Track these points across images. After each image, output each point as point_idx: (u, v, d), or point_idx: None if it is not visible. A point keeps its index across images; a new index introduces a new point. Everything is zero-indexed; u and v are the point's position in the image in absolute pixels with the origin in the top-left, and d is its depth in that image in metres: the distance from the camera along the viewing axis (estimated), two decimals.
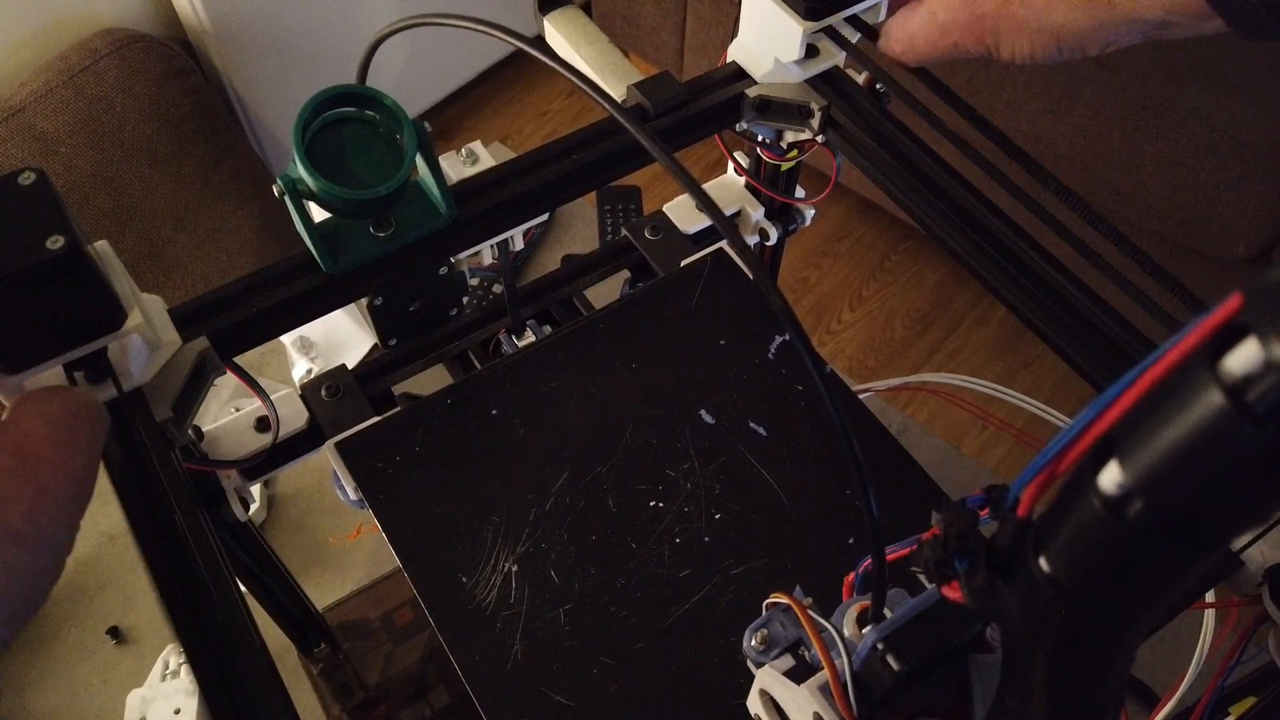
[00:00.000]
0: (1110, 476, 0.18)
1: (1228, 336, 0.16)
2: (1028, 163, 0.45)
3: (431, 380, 0.53)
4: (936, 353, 1.50)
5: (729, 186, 0.61)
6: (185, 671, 0.71)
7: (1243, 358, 0.15)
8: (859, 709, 0.28)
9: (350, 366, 0.52)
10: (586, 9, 1.61)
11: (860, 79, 0.52)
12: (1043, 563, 0.20)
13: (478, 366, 0.54)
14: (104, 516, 0.82)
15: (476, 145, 0.50)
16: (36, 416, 0.27)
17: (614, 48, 0.55)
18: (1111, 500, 0.18)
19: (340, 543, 0.84)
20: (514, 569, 0.43)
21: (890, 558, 0.29)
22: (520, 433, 0.47)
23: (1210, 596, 0.43)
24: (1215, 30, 0.36)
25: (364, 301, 0.48)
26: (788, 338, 0.50)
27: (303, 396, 0.50)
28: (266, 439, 0.48)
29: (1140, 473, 0.17)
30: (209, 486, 0.48)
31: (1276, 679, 0.41)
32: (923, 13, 0.45)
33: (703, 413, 0.48)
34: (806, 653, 0.31)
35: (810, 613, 0.30)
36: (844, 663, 0.28)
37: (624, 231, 0.58)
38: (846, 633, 0.30)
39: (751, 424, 0.47)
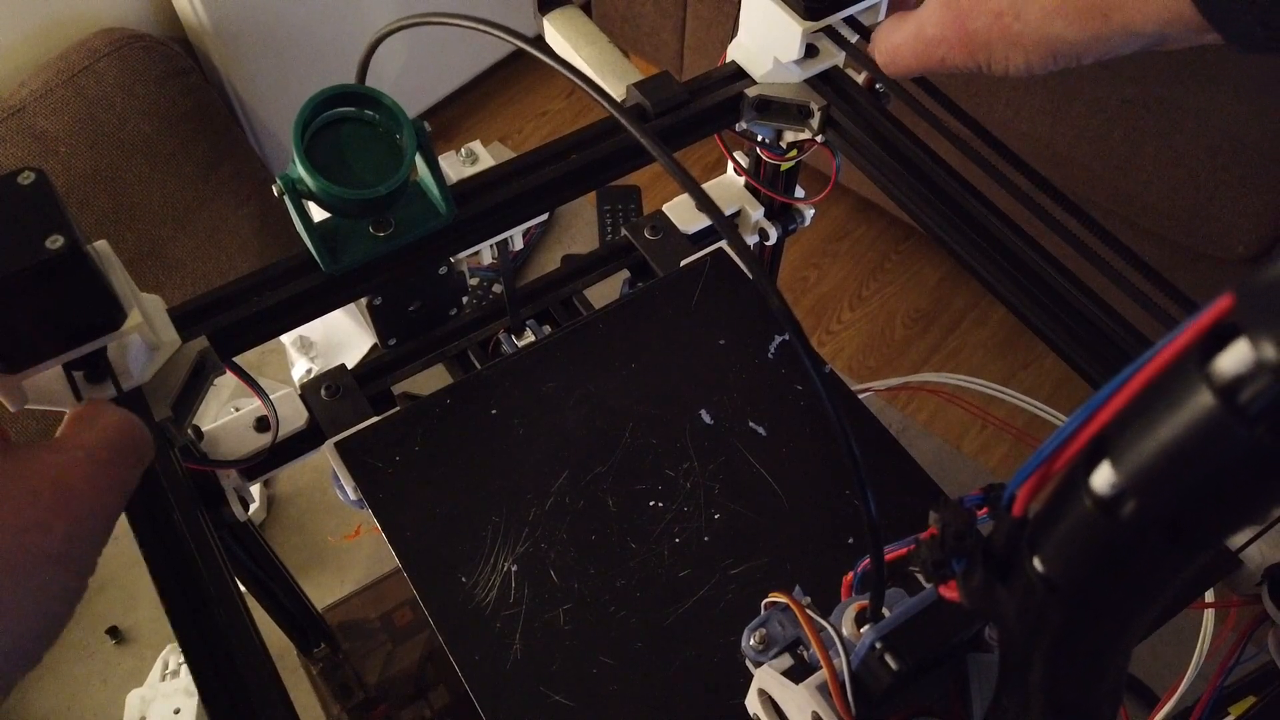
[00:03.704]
0: (1103, 477, 0.18)
1: (1219, 337, 0.16)
2: (1025, 168, 0.45)
3: (431, 380, 0.53)
4: (936, 352, 1.50)
5: (728, 186, 0.61)
6: (185, 671, 0.71)
7: (1234, 358, 0.15)
8: (857, 708, 0.28)
9: (350, 366, 0.52)
10: (586, 9, 1.61)
11: (860, 79, 0.52)
12: (1037, 562, 0.20)
13: (477, 366, 0.54)
14: None
15: (476, 145, 0.50)
16: (79, 449, 0.29)
17: (614, 47, 0.55)
18: (1104, 500, 0.18)
19: (339, 542, 0.84)
20: (513, 569, 0.43)
21: (889, 557, 0.29)
22: (520, 432, 0.47)
23: (1209, 596, 0.43)
24: (1211, 42, 0.36)
25: (364, 301, 0.48)
26: (787, 337, 0.50)
27: (302, 396, 0.50)
28: (266, 439, 0.48)
29: (1132, 473, 0.17)
30: (209, 486, 0.48)
31: (1276, 678, 0.41)
32: (909, 26, 0.44)
33: (702, 412, 0.48)
34: (805, 652, 0.31)
35: (808, 612, 0.30)
36: (842, 662, 0.28)
37: (624, 231, 0.58)
38: (845, 632, 0.30)
39: (751, 424, 0.47)
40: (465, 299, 0.53)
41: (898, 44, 0.45)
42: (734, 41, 0.53)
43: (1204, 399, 0.16)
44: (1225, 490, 0.16)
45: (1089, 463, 0.18)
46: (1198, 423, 0.16)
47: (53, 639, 0.26)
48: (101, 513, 0.28)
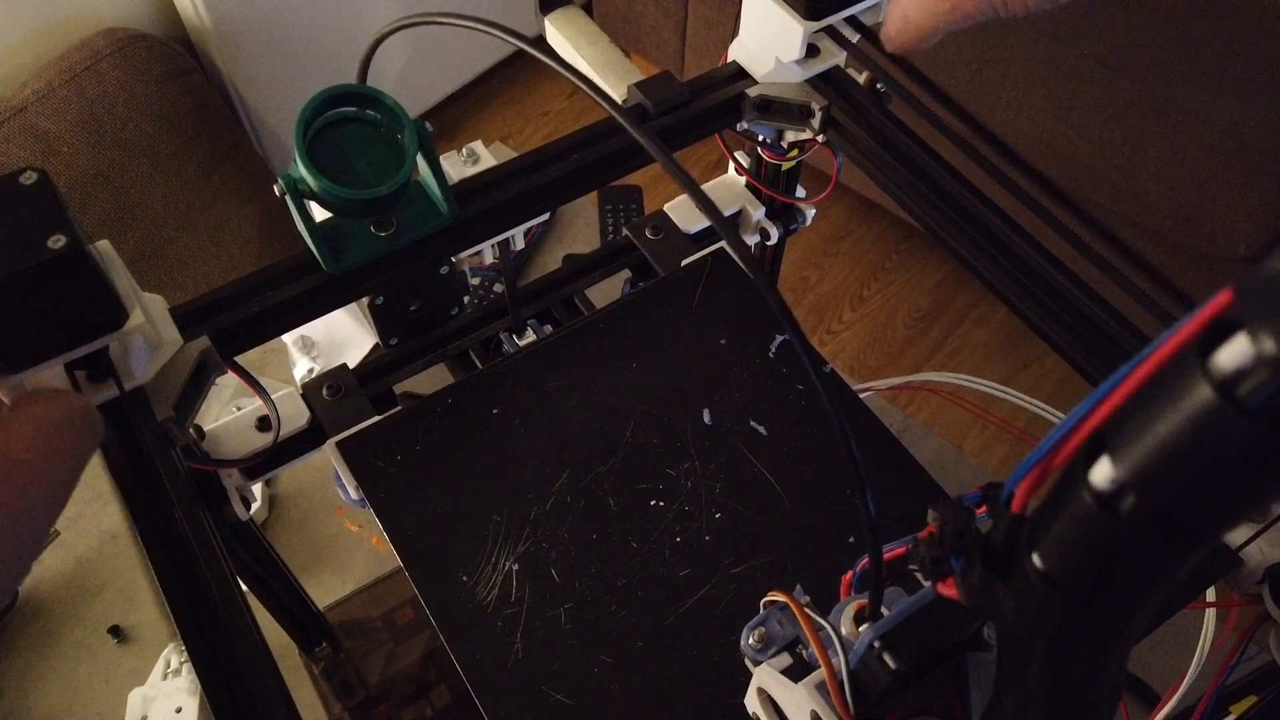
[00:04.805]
0: (1102, 472, 0.18)
1: (1219, 331, 0.16)
2: (1026, 167, 0.45)
3: (432, 380, 0.54)
4: (937, 352, 1.50)
5: (730, 186, 0.61)
6: (186, 670, 0.71)
7: (1234, 352, 0.15)
8: (856, 707, 0.28)
9: (351, 366, 0.52)
10: (587, 9, 1.62)
11: (861, 78, 0.52)
12: (1036, 558, 0.20)
13: (479, 366, 0.54)
14: (106, 515, 0.82)
15: (477, 145, 0.50)
16: (28, 422, 0.28)
17: (615, 47, 0.55)
18: (1103, 495, 0.18)
19: (353, 529, 0.84)
20: (515, 568, 0.43)
21: (888, 556, 0.29)
22: (521, 432, 0.47)
23: (1210, 595, 0.43)
24: None
25: (365, 301, 0.48)
26: (788, 337, 0.50)
27: (304, 396, 0.50)
28: (268, 438, 0.48)
29: (1132, 468, 0.17)
30: (210, 485, 0.48)
31: (1277, 678, 0.41)
32: None
33: (704, 412, 0.48)
34: (804, 651, 0.31)
35: (807, 611, 0.30)
36: (841, 661, 0.28)
37: (625, 231, 0.58)
38: (844, 631, 0.30)
39: (752, 423, 0.47)
40: (466, 299, 0.53)
41: (907, 8, 0.44)
42: (735, 41, 0.53)
43: (1203, 393, 0.16)
44: (1225, 484, 0.16)
45: (1088, 458, 0.18)
46: (1197, 417, 0.16)
47: None
48: (47, 491, 0.27)
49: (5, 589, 0.26)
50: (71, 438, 0.29)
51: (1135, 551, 0.18)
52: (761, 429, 0.47)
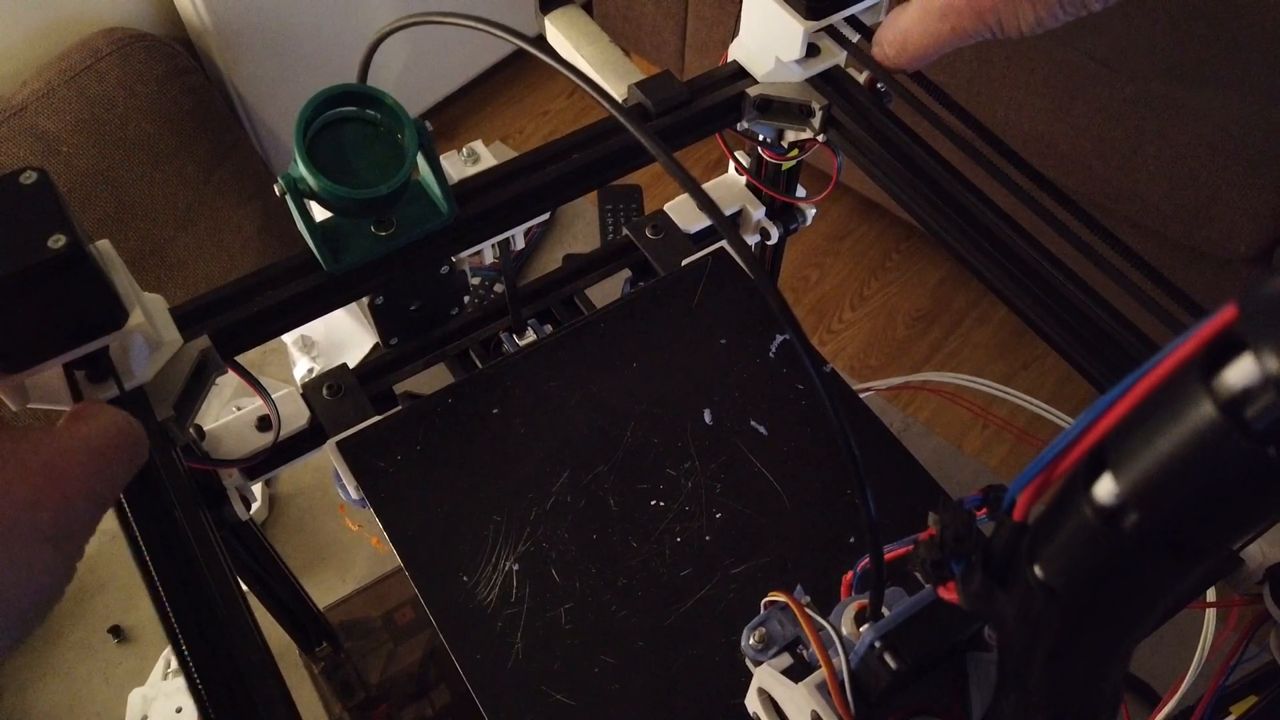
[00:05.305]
0: (1104, 488, 0.18)
1: (1222, 349, 0.15)
2: (1026, 167, 0.45)
3: (433, 379, 0.54)
4: (938, 352, 1.50)
5: (730, 186, 0.61)
6: None
7: (1239, 373, 0.15)
8: (856, 708, 0.28)
9: (351, 365, 0.52)
10: (587, 8, 1.61)
11: (861, 78, 0.52)
12: (1037, 569, 0.20)
13: (479, 365, 0.54)
14: (106, 515, 0.82)
15: (477, 144, 0.50)
16: (77, 439, 0.29)
17: (615, 47, 0.55)
18: (1105, 511, 0.18)
19: (353, 529, 0.84)
20: (515, 568, 0.43)
21: (889, 556, 0.29)
22: (521, 431, 0.47)
23: (1211, 595, 0.43)
24: None
25: (365, 300, 0.48)
26: (788, 336, 0.50)
27: (304, 395, 0.50)
28: (268, 438, 0.48)
29: (1134, 485, 0.17)
30: (210, 485, 0.48)
31: (1277, 678, 0.41)
32: (914, 7, 0.44)
33: (704, 412, 0.48)
34: (804, 651, 0.31)
35: (808, 611, 0.30)
36: (841, 661, 0.28)
37: (625, 231, 0.58)
38: (844, 631, 0.30)
39: (753, 423, 0.47)
40: (467, 298, 0.53)
41: (905, 27, 0.44)
42: (735, 41, 0.53)
43: (1207, 412, 0.15)
44: (1227, 504, 0.16)
45: (1090, 472, 0.18)
46: (1201, 436, 0.16)
47: (42, 617, 0.26)
48: (91, 500, 0.28)
49: (54, 596, 0.27)
50: (117, 458, 0.30)
51: (1136, 566, 0.18)
52: (762, 429, 0.47)
